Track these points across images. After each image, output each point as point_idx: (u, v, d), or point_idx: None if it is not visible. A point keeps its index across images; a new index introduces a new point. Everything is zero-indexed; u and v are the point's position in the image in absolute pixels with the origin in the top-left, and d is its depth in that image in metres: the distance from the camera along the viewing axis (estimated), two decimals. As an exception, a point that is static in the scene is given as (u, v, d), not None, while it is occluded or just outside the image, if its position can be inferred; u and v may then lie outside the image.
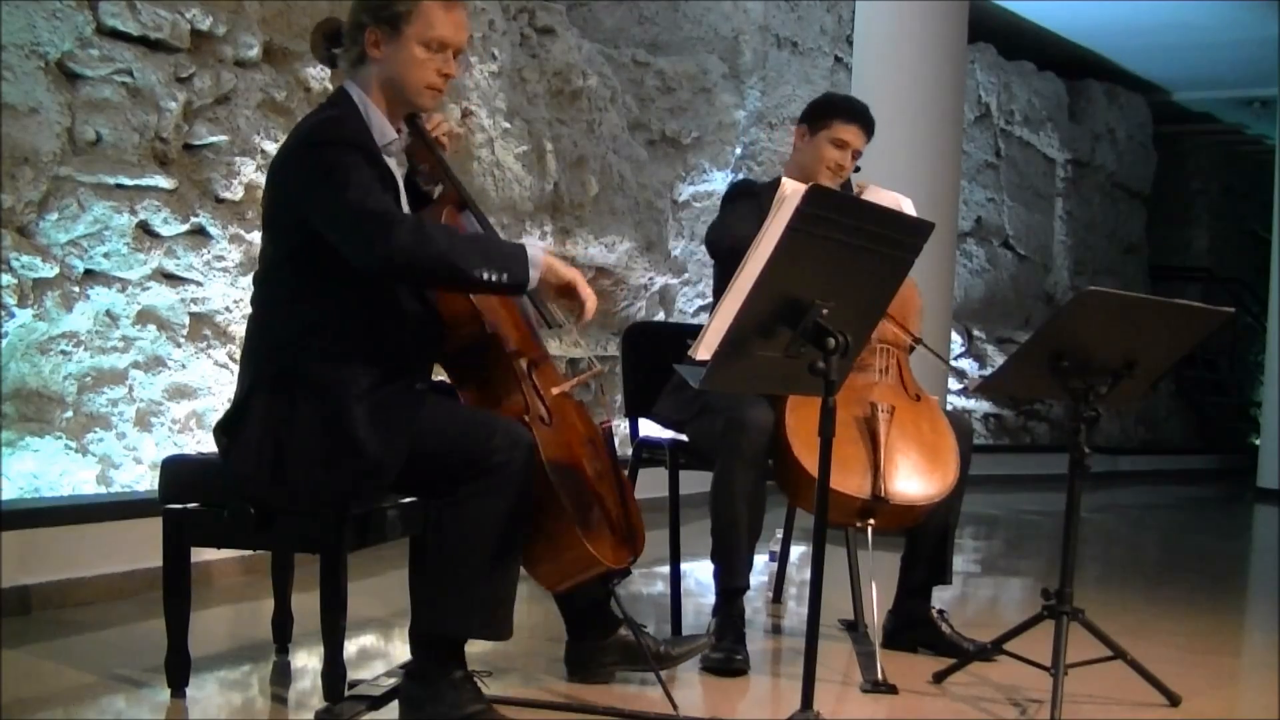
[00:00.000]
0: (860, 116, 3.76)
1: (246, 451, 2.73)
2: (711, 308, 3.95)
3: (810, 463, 3.29)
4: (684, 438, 3.76)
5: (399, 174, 2.90)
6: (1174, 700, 3.25)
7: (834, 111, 3.76)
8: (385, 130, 2.82)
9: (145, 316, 4.47)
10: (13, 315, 4.03)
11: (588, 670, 3.17)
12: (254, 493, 2.75)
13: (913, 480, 3.41)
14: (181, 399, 4.59)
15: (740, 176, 7.66)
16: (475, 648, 3.17)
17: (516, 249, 2.72)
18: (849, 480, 3.30)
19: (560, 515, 2.77)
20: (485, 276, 2.64)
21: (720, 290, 3.85)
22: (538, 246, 2.77)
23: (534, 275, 2.69)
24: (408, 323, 2.80)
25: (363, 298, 2.74)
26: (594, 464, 3.01)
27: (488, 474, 2.63)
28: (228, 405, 2.88)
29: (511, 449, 2.66)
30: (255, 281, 2.89)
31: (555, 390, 2.96)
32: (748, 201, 3.72)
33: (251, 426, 2.72)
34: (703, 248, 6.18)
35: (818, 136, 3.74)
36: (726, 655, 3.35)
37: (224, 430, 2.79)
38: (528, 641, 3.62)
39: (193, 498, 2.86)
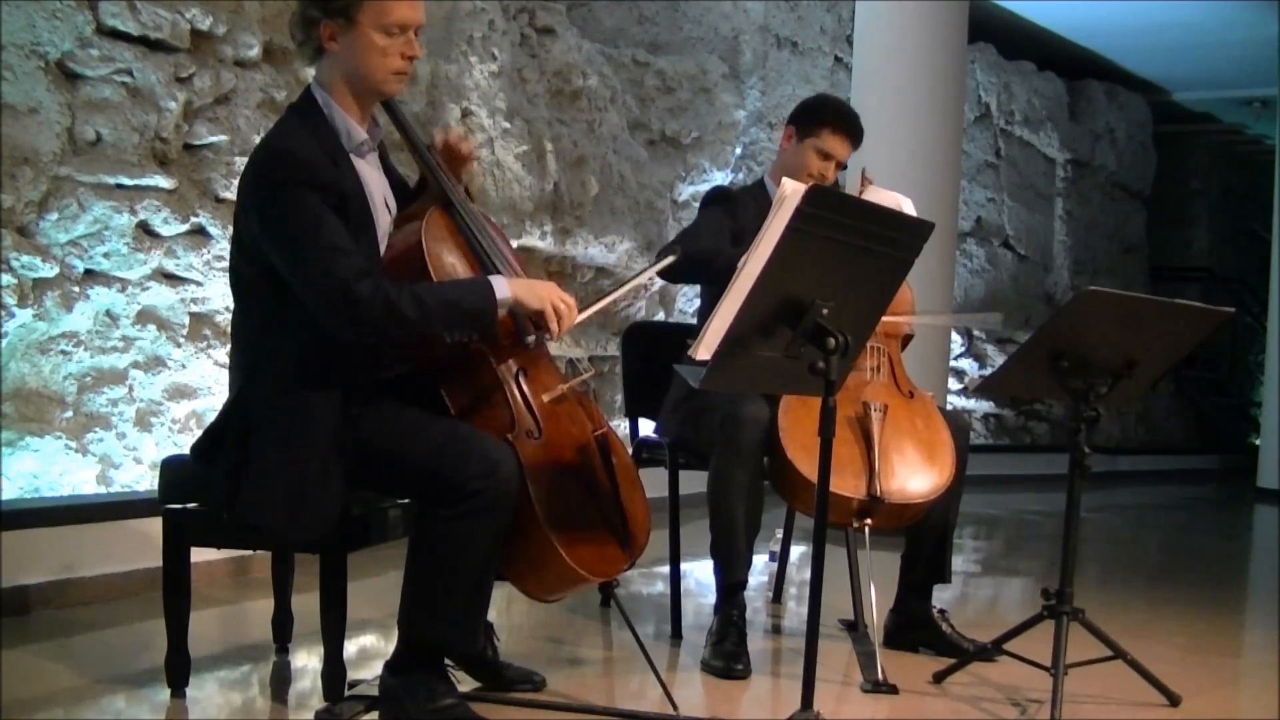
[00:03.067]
0: (850, 129, 3.73)
1: (217, 478, 2.73)
2: (700, 310, 3.96)
3: (804, 465, 3.30)
4: (684, 437, 3.75)
5: (372, 175, 2.83)
6: (1174, 700, 3.24)
7: (825, 120, 3.72)
8: (353, 132, 2.77)
9: (145, 316, 4.47)
10: (13, 315, 4.03)
11: None
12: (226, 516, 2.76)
13: (908, 478, 3.40)
14: (181, 399, 4.59)
15: (739, 177, 7.66)
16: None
17: (482, 300, 2.67)
18: (844, 481, 3.29)
19: (540, 533, 2.73)
20: (453, 338, 2.68)
21: (706, 293, 3.87)
22: (503, 284, 2.71)
23: (501, 315, 2.71)
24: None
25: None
26: (589, 469, 2.92)
27: (464, 500, 2.61)
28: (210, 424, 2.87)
29: (488, 476, 2.62)
30: (233, 295, 2.85)
31: (546, 398, 2.89)
32: (719, 209, 3.74)
33: (224, 456, 2.72)
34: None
35: (805, 143, 3.72)
36: (726, 664, 3.34)
37: (202, 454, 2.79)
38: (527, 642, 3.63)
39: (193, 498, 2.86)
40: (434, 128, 3.08)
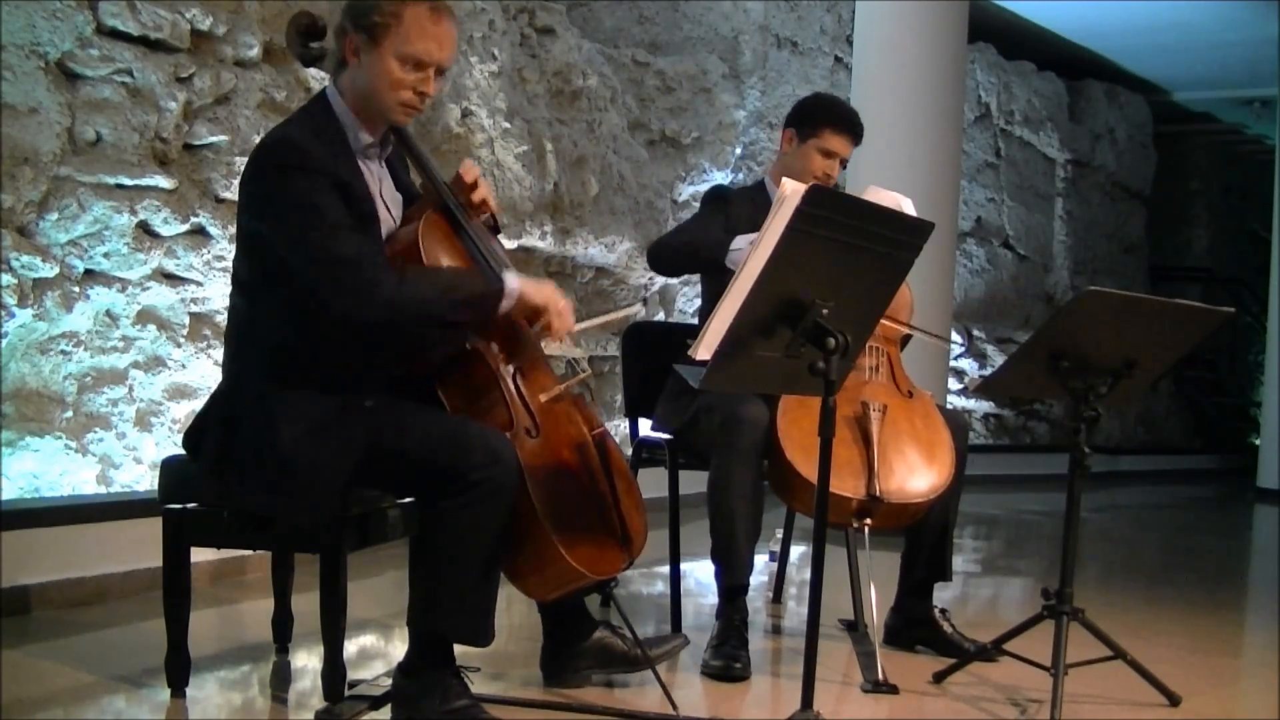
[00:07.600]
0: (851, 127, 3.74)
1: (204, 466, 2.78)
2: (701, 310, 3.97)
3: (803, 465, 3.30)
4: (681, 433, 3.74)
5: (377, 176, 2.85)
6: (1174, 700, 3.25)
7: (824, 120, 3.73)
8: (361, 135, 2.79)
9: (145, 316, 4.47)
10: (13, 315, 4.03)
11: (562, 675, 3.14)
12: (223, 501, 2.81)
13: (908, 478, 3.41)
14: (181, 399, 4.59)
15: (739, 177, 7.66)
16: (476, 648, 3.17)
17: (487, 285, 2.76)
18: (843, 481, 3.29)
19: (540, 531, 2.74)
20: (460, 319, 2.74)
21: (707, 293, 3.87)
22: (511, 276, 2.80)
23: (505, 306, 2.76)
24: (368, 339, 2.77)
25: (323, 318, 2.71)
26: (587, 469, 2.95)
27: (467, 489, 2.63)
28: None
29: (491, 465, 2.64)
30: (232, 292, 2.87)
31: (543, 398, 2.92)
32: (713, 206, 3.76)
33: (208, 444, 2.77)
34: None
35: (806, 144, 3.72)
36: (725, 664, 3.34)
37: (189, 440, 2.84)
38: (526, 642, 3.62)
39: (193, 498, 2.86)
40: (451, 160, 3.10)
